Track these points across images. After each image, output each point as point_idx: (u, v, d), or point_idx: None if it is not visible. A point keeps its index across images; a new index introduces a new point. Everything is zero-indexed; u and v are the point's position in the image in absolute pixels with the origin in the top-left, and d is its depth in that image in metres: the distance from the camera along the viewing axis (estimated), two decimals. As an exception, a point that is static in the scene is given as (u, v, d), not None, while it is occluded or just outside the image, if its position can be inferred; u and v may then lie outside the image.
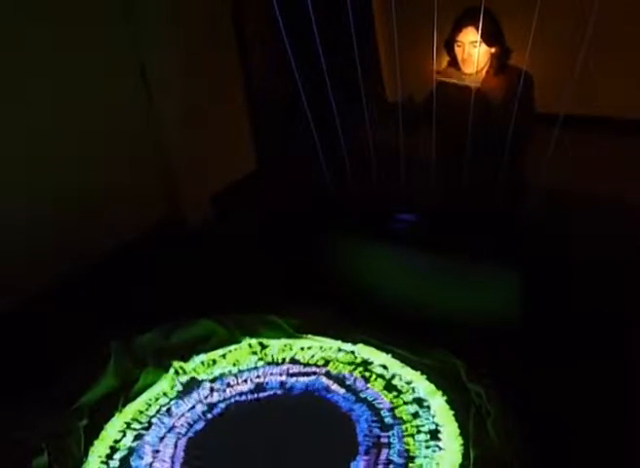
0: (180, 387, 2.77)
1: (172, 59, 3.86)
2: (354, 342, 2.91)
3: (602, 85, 3.83)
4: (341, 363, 2.87)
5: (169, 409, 2.68)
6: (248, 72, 4.28)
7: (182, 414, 2.65)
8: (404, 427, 2.57)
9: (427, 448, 2.48)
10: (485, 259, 2.83)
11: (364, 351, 2.88)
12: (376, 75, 4.77)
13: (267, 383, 2.80)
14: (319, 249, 3.26)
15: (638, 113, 4.13)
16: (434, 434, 2.51)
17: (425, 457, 2.43)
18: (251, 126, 4.45)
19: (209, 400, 2.71)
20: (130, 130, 3.77)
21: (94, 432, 2.53)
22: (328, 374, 2.81)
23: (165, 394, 2.76)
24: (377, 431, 2.56)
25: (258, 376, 2.84)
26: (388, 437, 2.53)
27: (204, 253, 3.75)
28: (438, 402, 2.59)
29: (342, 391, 2.73)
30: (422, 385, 2.67)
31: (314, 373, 2.82)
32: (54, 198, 3.42)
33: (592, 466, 2.21)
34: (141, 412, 2.67)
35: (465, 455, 2.30)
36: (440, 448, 2.43)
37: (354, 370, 2.82)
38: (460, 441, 2.40)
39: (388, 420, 2.59)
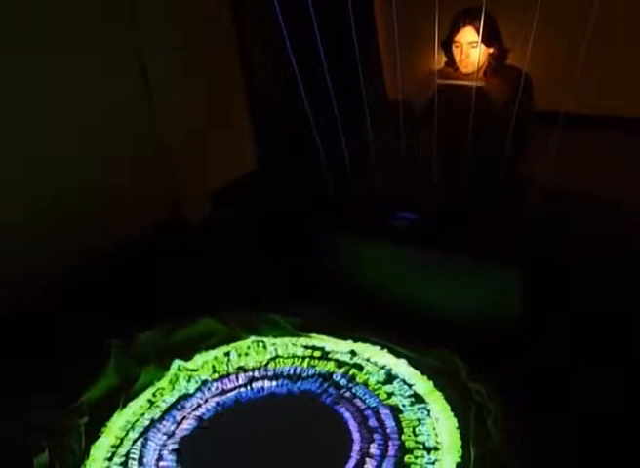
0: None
1: (172, 59, 3.86)
2: (355, 340, 2.91)
3: (602, 84, 3.84)
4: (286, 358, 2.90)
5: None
6: (248, 72, 4.28)
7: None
8: (370, 389, 2.65)
9: (412, 404, 2.56)
10: (485, 259, 2.83)
11: (364, 349, 2.88)
12: (376, 74, 4.76)
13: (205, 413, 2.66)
14: (319, 248, 3.26)
15: (638, 112, 4.13)
16: (418, 398, 2.59)
17: (414, 414, 2.51)
18: (251, 126, 4.45)
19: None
20: (130, 130, 3.77)
21: (94, 430, 2.54)
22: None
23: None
24: (331, 390, 2.67)
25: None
26: (350, 389, 2.63)
27: (204, 252, 3.76)
28: (437, 400, 2.59)
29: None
30: (422, 384, 2.67)
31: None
32: (54, 198, 3.42)
33: (592, 465, 2.21)
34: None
35: (466, 454, 2.30)
36: (429, 415, 2.50)
37: (302, 362, 2.86)
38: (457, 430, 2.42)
39: (343, 382, 2.70)
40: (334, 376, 2.75)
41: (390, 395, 2.66)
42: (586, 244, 3.15)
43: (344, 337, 2.94)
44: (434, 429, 2.47)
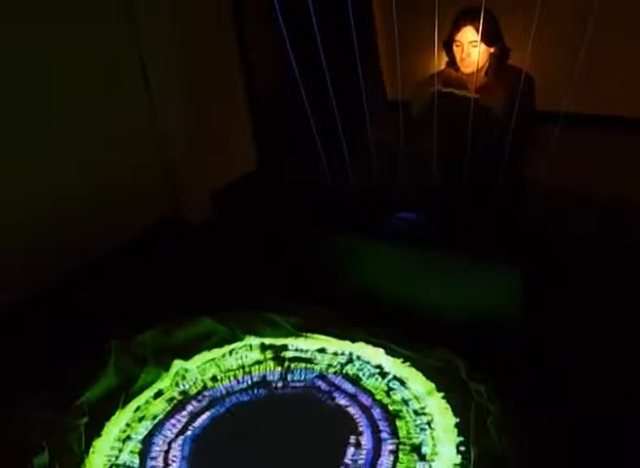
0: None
1: (172, 59, 3.86)
2: (354, 341, 2.91)
3: (603, 84, 3.84)
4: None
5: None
6: (248, 72, 4.28)
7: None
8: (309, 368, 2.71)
9: (373, 375, 2.58)
10: (485, 259, 2.83)
11: (364, 350, 2.88)
12: (376, 74, 4.77)
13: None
14: (319, 248, 3.26)
15: (638, 112, 4.14)
16: (383, 373, 2.62)
17: (380, 382, 2.53)
18: (251, 126, 4.45)
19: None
20: (130, 130, 3.78)
21: (94, 430, 2.53)
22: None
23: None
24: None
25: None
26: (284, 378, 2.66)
27: (204, 252, 3.76)
28: (436, 400, 2.59)
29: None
30: (421, 383, 2.67)
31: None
32: (54, 198, 3.42)
33: (592, 466, 2.21)
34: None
35: (466, 454, 2.30)
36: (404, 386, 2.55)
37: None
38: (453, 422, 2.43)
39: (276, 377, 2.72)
40: (267, 376, 2.77)
41: (340, 366, 2.69)
42: (586, 244, 3.14)
43: (343, 337, 2.94)
44: (416, 397, 2.48)
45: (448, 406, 2.52)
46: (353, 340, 2.91)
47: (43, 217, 3.37)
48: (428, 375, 2.68)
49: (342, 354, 2.86)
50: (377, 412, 2.51)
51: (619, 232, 3.32)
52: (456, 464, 2.27)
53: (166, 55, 3.83)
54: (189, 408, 2.65)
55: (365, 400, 2.57)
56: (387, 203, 3.19)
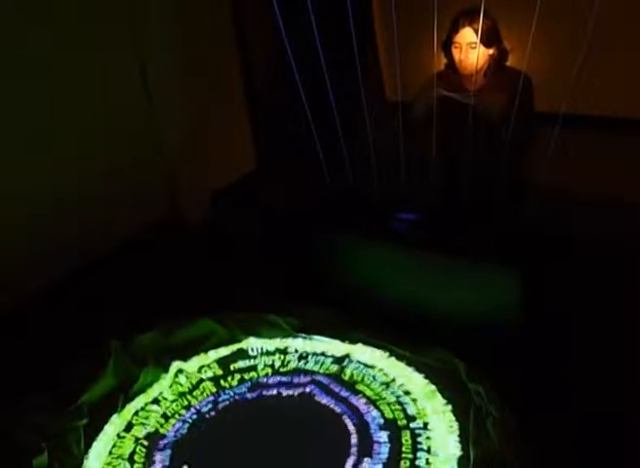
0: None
1: (172, 59, 3.86)
2: (354, 342, 2.91)
3: (602, 84, 3.83)
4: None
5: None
6: (248, 72, 4.28)
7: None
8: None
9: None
10: (485, 259, 2.83)
11: (363, 350, 2.88)
12: (376, 75, 4.76)
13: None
14: (319, 248, 3.26)
15: (638, 112, 4.13)
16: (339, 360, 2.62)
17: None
18: (251, 126, 4.45)
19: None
20: (130, 130, 3.77)
21: (94, 431, 2.54)
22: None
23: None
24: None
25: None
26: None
27: (204, 252, 3.76)
28: (437, 401, 2.59)
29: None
30: (421, 384, 2.67)
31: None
32: (54, 198, 3.42)
33: (592, 466, 2.21)
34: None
35: (465, 455, 2.30)
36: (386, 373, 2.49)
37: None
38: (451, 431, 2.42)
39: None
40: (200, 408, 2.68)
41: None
42: (586, 244, 3.14)
43: (343, 338, 2.94)
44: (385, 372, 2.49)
45: (447, 406, 2.52)
46: (353, 341, 2.91)
47: (43, 217, 3.37)
48: (427, 376, 2.69)
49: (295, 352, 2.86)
50: (322, 378, 2.46)
51: (619, 232, 3.31)
52: (455, 441, 2.30)
53: (165, 55, 3.82)
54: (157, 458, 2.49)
55: (303, 377, 2.52)
56: (387, 203, 3.19)
